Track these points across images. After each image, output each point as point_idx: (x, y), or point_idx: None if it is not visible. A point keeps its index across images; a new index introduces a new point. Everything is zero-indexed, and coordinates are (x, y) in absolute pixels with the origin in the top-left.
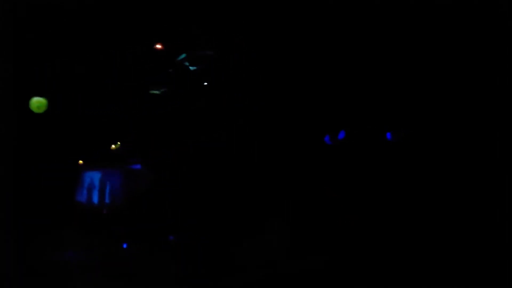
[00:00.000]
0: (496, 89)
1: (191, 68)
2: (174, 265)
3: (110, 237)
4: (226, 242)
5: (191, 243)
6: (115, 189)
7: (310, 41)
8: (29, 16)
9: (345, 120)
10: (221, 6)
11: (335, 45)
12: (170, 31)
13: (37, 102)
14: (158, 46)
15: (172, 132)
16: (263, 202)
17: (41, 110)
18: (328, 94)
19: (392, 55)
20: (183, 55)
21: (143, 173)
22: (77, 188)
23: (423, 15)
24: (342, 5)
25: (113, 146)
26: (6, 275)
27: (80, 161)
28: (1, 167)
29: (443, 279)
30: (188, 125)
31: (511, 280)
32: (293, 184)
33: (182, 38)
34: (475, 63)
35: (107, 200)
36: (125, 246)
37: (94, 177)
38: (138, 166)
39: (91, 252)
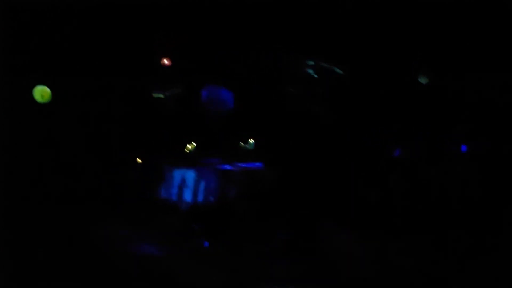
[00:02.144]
0: None
1: (314, 76)
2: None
3: (193, 234)
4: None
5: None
6: (204, 188)
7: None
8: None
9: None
10: None
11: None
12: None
13: (41, 91)
14: (166, 61)
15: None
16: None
17: (44, 99)
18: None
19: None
20: (311, 62)
21: (237, 174)
22: (164, 185)
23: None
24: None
25: (188, 146)
26: None
27: (138, 159)
28: None
29: None
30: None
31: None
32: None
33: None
34: None
35: (199, 198)
36: (206, 244)
37: (183, 175)
38: (228, 167)
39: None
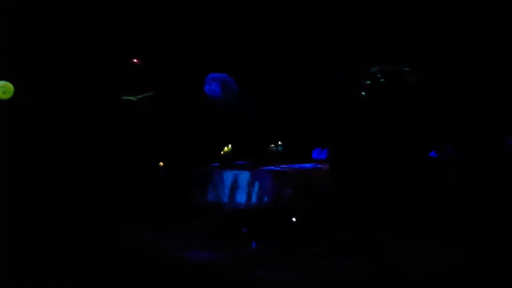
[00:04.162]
0: None
1: (381, 80)
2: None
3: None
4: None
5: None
6: (253, 189)
7: None
8: None
9: None
10: None
11: None
12: None
13: (3, 87)
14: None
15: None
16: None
17: (7, 96)
18: None
19: None
20: (377, 67)
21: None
22: (209, 188)
23: None
24: None
25: (225, 148)
26: None
27: (161, 163)
28: None
29: None
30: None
31: None
32: None
33: None
34: None
35: (248, 200)
36: (254, 245)
37: (232, 177)
38: (275, 168)
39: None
